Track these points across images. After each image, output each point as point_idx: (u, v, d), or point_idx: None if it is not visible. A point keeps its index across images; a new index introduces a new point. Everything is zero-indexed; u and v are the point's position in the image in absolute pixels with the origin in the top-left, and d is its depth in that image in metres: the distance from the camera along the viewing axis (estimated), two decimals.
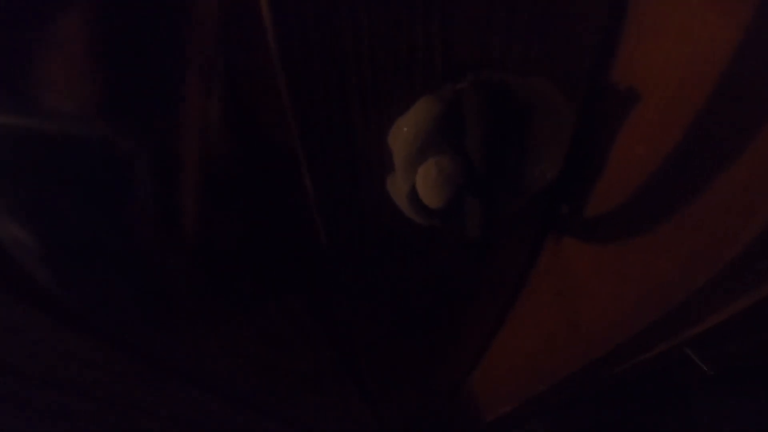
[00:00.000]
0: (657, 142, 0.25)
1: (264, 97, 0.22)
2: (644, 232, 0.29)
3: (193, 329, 0.33)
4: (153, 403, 0.55)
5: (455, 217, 0.25)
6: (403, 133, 0.23)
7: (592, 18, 0.23)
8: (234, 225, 0.22)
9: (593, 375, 0.48)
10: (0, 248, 0.27)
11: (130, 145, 0.11)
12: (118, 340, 0.39)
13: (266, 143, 0.24)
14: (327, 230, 0.30)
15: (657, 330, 0.35)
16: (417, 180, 0.23)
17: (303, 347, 0.48)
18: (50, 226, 0.12)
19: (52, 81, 0.10)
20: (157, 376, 0.48)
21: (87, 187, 0.11)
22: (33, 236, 0.12)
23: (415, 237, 0.33)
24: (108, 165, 0.11)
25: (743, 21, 0.19)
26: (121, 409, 0.53)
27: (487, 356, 0.60)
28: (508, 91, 0.23)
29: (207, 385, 0.54)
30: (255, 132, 0.23)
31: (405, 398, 0.77)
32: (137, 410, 0.55)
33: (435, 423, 0.90)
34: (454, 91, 0.23)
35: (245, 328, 0.41)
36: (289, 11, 0.20)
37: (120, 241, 0.13)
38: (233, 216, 0.22)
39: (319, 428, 0.80)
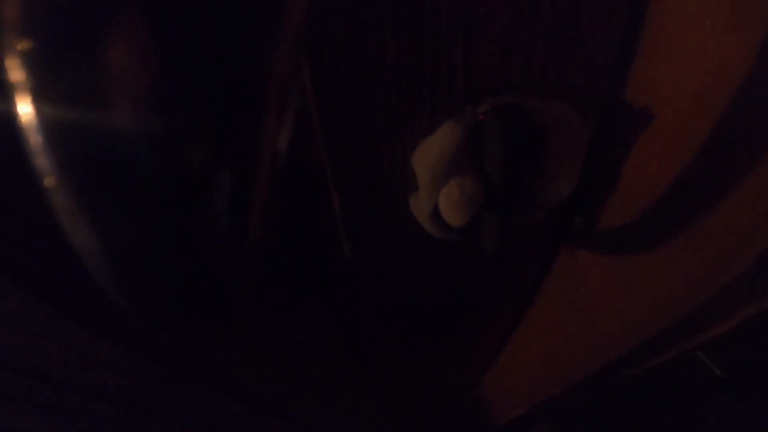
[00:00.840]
0: (669, 160, 0.26)
1: (296, 122, 0.23)
2: (656, 245, 0.30)
3: (225, 338, 0.34)
4: (173, 405, 0.56)
5: (473, 233, 0.27)
6: (427, 156, 0.24)
7: (607, 41, 0.24)
8: (274, 240, 0.23)
9: (605, 379, 0.49)
10: (23, 250, 0.28)
11: (210, 158, 0.11)
12: (142, 346, 0.40)
13: (297, 164, 0.25)
14: (351, 244, 0.31)
15: (668, 336, 0.36)
16: (440, 200, 0.24)
17: (321, 353, 0.49)
18: (116, 231, 0.12)
19: (130, 79, 0.10)
20: (178, 380, 0.49)
21: (158, 195, 0.12)
22: (98, 242, 0.12)
23: (433, 250, 0.34)
24: (183, 175, 0.11)
25: (757, 41, 0.20)
26: (142, 412, 0.54)
27: (500, 361, 0.61)
28: (526, 114, 0.24)
29: (226, 388, 0.55)
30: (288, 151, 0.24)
31: (418, 402, 0.78)
32: (157, 413, 0.56)
33: (447, 426, 0.90)
34: (474, 115, 0.24)
35: (267, 335, 0.42)
36: (322, 41, 0.21)
37: (185, 254, 0.13)
38: (276, 232, 0.23)
39: (334, 431, 0.80)
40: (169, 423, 0.58)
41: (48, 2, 0.10)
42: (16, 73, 0.10)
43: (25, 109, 0.10)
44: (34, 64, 0.09)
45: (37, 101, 0.10)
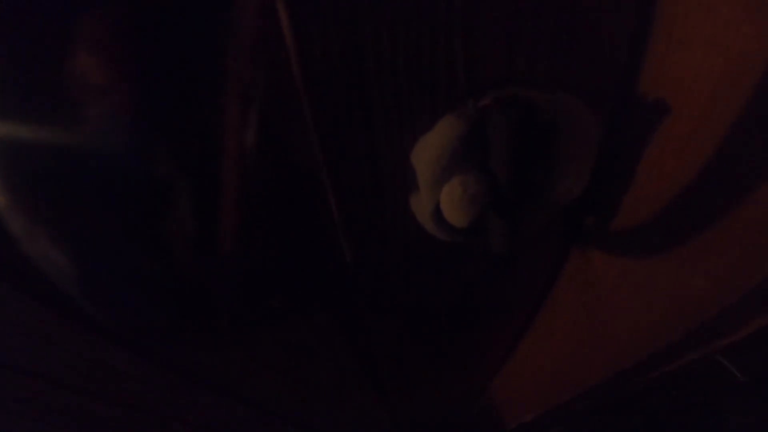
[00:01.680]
0: (687, 156, 0.25)
1: (288, 120, 0.22)
2: (674, 246, 0.28)
3: (223, 342, 0.34)
4: (179, 409, 0.56)
5: (479, 234, 0.25)
6: (427, 152, 0.23)
7: (618, 30, 0.23)
8: (265, 245, 0.23)
9: (619, 384, 0.47)
10: (34, 263, 0.27)
11: (170, 164, 0.11)
12: (148, 351, 0.40)
13: (292, 165, 0.24)
14: (351, 247, 0.30)
15: (685, 342, 0.34)
16: (442, 199, 0.23)
17: (326, 357, 0.48)
18: (83, 245, 0.12)
19: (88, 88, 0.09)
20: (184, 384, 0.49)
21: (122, 204, 0.11)
22: (66, 256, 0.12)
23: (437, 252, 0.33)
24: (145, 183, 0.11)
25: None
26: (147, 416, 0.55)
27: (510, 365, 0.60)
28: (533, 108, 0.23)
29: (232, 392, 0.55)
30: (281, 154, 0.23)
31: (425, 406, 0.77)
32: (162, 417, 0.56)
33: (456, 431, 0.89)
34: (477, 108, 0.22)
35: (271, 339, 0.41)
36: (311, 34, 0.20)
37: (156, 260, 0.13)
38: (264, 236, 0.22)
39: None
40: (173, 426, 0.58)
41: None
42: None
43: None
44: None
45: None
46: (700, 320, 0.30)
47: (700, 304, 0.29)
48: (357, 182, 0.26)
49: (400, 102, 0.23)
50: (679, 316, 0.32)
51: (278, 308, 0.32)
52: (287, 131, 0.23)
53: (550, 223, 0.30)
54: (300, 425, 0.73)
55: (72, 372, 0.41)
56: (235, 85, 0.11)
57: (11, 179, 0.10)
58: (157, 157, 0.11)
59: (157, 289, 0.13)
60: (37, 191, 0.10)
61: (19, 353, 0.36)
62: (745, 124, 0.22)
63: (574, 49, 0.23)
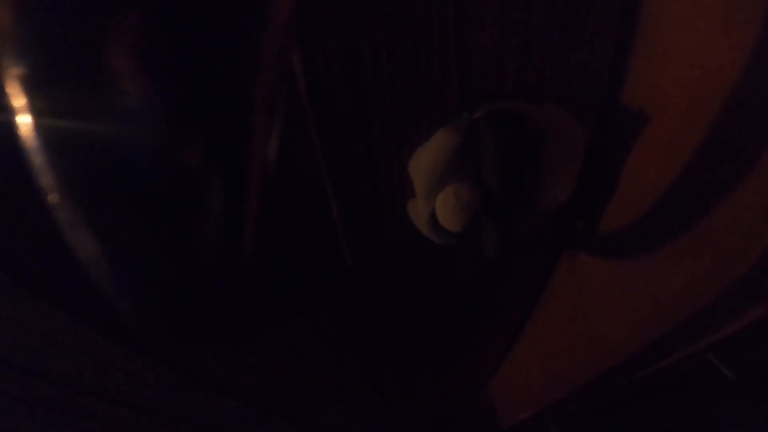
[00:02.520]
0: (668, 162, 0.26)
1: (294, 132, 0.24)
2: (657, 247, 0.30)
3: (228, 343, 0.35)
4: (180, 409, 0.56)
5: (473, 238, 0.27)
6: (423, 162, 0.24)
7: (602, 45, 0.24)
8: (275, 247, 0.24)
9: (612, 382, 0.48)
10: (47, 262, 0.28)
11: (202, 160, 0.12)
12: (151, 350, 0.40)
13: (297, 174, 0.26)
14: (351, 251, 0.31)
15: (673, 338, 0.35)
16: (437, 206, 0.24)
17: (326, 357, 0.49)
18: (115, 239, 0.13)
19: (121, 80, 0.10)
20: (186, 383, 0.50)
21: (151, 197, 0.12)
22: (94, 246, 0.13)
23: (434, 256, 0.34)
24: (179, 179, 0.12)
25: (750, 45, 0.20)
26: (150, 414, 0.55)
27: (506, 365, 0.61)
28: (522, 119, 0.24)
29: (233, 392, 0.55)
30: (287, 164, 0.25)
31: (424, 406, 0.77)
32: (165, 415, 0.56)
33: (454, 430, 0.90)
34: (470, 121, 0.24)
35: (273, 340, 0.42)
36: (315, 48, 0.21)
37: (181, 258, 0.13)
38: (275, 239, 0.24)
39: None
40: (176, 425, 0.59)
41: (37, 22, 0.10)
42: (15, 98, 0.10)
43: (25, 127, 0.11)
44: (30, 87, 0.10)
45: (37, 121, 0.11)
46: (682, 318, 0.31)
47: (680, 303, 0.30)
48: (358, 190, 0.27)
49: (399, 116, 0.25)
50: (661, 315, 0.33)
51: (280, 309, 0.33)
52: (293, 142, 0.25)
53: (542, 229, 0.31)
54: (300, 425, 0.73)
55: (73, 372, 0.41)
56: (263, 92, 0.12)
57: (64, 177, 0.11)
58: (191, 155, 0.11)
59: (177, 287, 0.14)
60: (83, 188, 0.11)
61: (20, 352, 0.37)
62: (722, 131, 0.23)
63: (561, 64, 0.24)
